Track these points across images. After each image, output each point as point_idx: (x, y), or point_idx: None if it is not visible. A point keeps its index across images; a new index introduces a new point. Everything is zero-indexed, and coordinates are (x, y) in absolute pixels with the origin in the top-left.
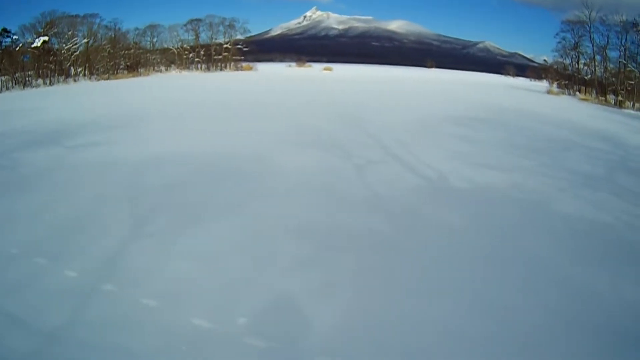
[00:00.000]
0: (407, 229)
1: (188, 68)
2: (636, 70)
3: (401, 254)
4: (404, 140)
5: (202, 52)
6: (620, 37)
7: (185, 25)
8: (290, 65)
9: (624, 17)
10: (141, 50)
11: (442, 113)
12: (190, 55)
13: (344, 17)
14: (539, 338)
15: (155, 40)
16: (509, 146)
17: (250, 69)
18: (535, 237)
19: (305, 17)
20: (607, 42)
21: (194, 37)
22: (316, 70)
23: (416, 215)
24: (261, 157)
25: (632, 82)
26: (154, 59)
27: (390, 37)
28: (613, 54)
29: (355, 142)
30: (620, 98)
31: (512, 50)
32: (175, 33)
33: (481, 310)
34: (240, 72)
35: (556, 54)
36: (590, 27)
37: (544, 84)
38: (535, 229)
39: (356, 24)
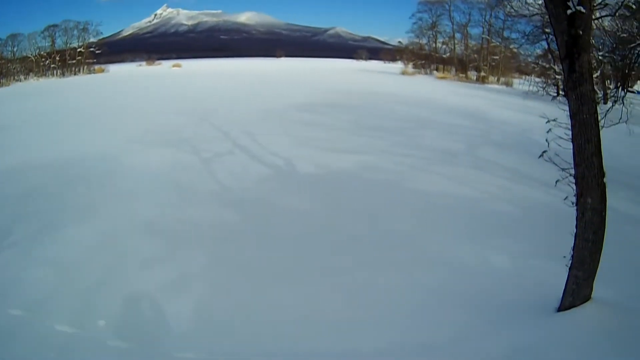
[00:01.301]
0: (257, 218)
1: (45, 75)
2: (501, 45)
3: (253, 243)
4: (253, 131)
5: (57, 58)
6: (483, 13)
7: (42, 32)
8: (140, 65)
9: None
10: (3, 61)
11: (290, 101)
12: (47, 62)
13: (194, 12)
14: (408, 315)
15: (15, 49)
16: (360, 128)
17: (102, 71)
18: (393, 216)
19: (155, 15)
20: (469, 19)
21: (50, 43)
22: (165, 67)
23: (266, 204)
24: (111, 158)
25: (497, 57)
26: (14, 68)
27: (240, 29)
28: (475, 31)
29: (203, 136)
30: (482, 74)
31: (365, 35)
32: (33, 41)
33: (342, 292)
34: (92, 75)
35: (412, 34)
36: (450, 6)
37: (398, 66)
38: (392, 209)
39: (206, 19)
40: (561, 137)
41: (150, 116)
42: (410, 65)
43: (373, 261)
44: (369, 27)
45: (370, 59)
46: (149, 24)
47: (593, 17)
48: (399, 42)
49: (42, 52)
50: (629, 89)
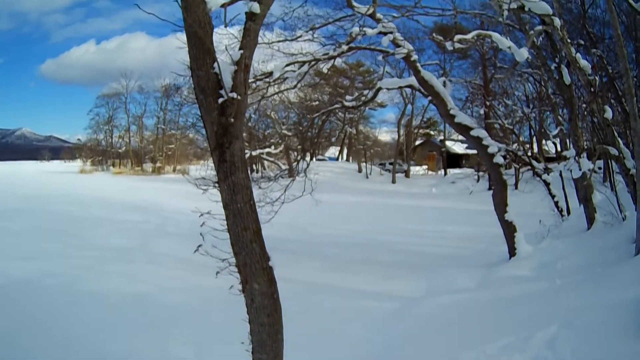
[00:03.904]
0: None
1: None
2: (177, 133)
3: None
4: None
5: None
6: (160, 102)
7: None
8: None
9: (166, 81)
10: None
11: None
12: None
13: None
14: None
15: None
16: (38, 233)
17: None
18: (68, 322)
19: None
20: (145, 109)
21: None
22: None
23: None
24: None
25: (172, 146)
26: None
27: None
28: (150, 122)
29: None
30: (158, 164)
31: (48, 134)
32: None
33: None
34: None
35: (90, 131)
36: (126, 98)
37: (78, 164)
38: (68, 314)
39: None
40: (216, 229)
41: None
42: (88, 163)
43: None
44: (51, 126)
45: (53, 158)
46: None
47: (276, 90)
48: (78, 139)
49: None
50: (318, 156)
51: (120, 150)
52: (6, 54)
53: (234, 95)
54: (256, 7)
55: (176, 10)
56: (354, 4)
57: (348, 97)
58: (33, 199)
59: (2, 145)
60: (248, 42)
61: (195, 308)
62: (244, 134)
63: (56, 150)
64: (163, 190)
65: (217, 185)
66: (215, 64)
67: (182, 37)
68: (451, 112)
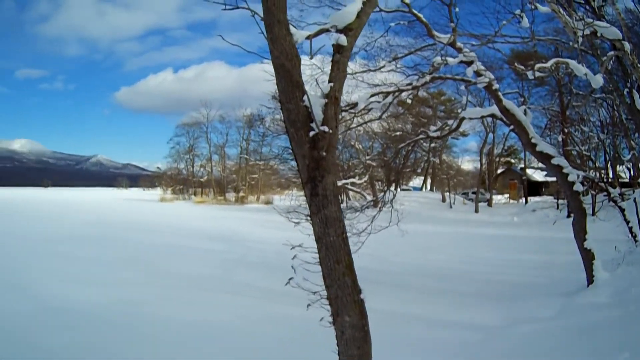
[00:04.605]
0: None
1: None
2: (261, 163)
3: None
4: (19, 268)
5: None
6: (241, 131)
7: None
8: None
9: (248, 111)
10: None
11: (43, 234)
12: None
13: None
14: None
15: None
16: (114, 260)
17: None
18: (154, 352)
19: None
20: (226, 139)
21: None
22: None
23: (34, 346)
24: None
25: (255, 176)
26: None
27: (12, 157)
28: (233, 151)
29: None
30: (242, 194)
31: (125, 162)
32: None
33: None
34: None
35: (170, 159)
36: (207, 127)
37: (158, 192)
38: (153, 343)
39: None
40: (308, 262)
41: None
42: (169, 191)
43: None
44: (129, 154)
45: (131, 186)
46: None
47: (360, 121)
48: (158, 167)
49: None
50: (403, 186)
51: (202, 179)
52: (77, 81)
53: (325, 128)
54: (343, 40)
55: (257, 40)
56: (435, 33)
57: (432, 127)
58: (114, 226)
59: (76, 172)
60: (337, 74)
61: (279, 338)
62: None
63: (134, 178)
64: (247, 220)
65: (309, 218)
66: (305, 97)
67: (266, 67)
68: (532, 140)
